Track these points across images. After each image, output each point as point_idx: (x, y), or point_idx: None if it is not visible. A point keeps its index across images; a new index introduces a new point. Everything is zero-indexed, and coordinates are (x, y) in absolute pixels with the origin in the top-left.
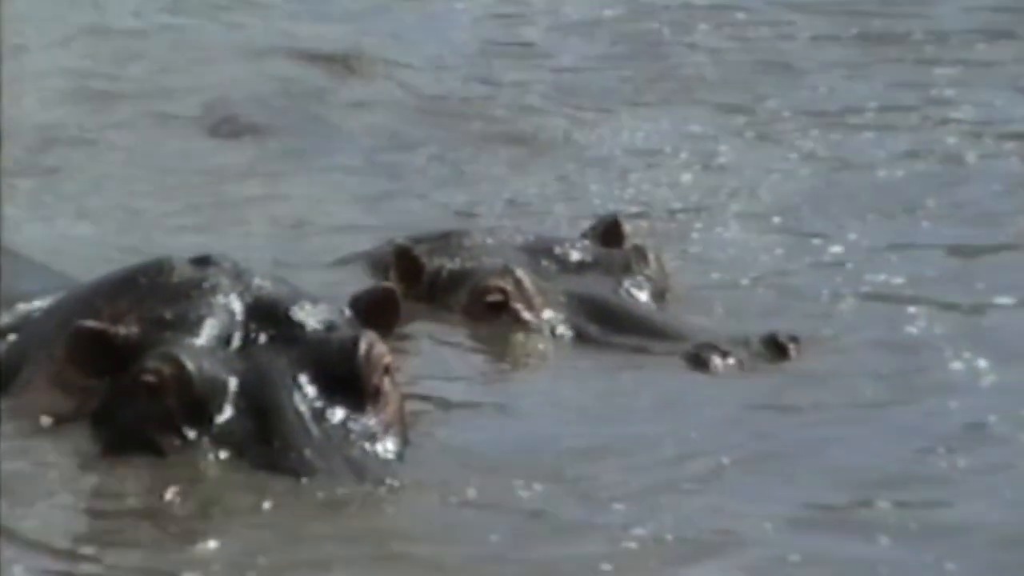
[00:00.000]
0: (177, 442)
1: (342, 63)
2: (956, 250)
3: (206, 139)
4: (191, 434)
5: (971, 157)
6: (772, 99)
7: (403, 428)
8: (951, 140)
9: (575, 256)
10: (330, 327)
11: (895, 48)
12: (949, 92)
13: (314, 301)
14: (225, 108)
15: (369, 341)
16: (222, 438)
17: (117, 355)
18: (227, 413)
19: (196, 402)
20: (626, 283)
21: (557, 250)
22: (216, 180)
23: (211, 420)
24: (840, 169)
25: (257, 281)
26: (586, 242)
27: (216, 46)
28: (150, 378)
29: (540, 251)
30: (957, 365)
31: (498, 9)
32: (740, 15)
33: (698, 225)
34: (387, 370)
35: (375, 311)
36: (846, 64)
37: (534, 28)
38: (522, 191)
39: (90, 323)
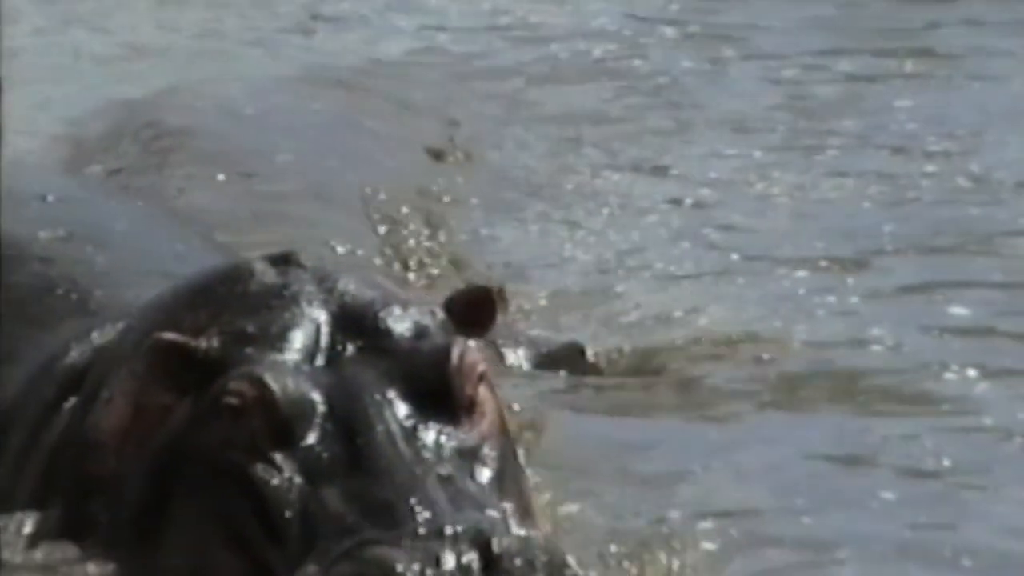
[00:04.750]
0: (262, 467)
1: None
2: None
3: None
4: (277, 458)
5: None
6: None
7: (503, 438)
8: (930, 172)
9: None
10: (421, 334)
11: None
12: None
13: (404, 305)
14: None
15: (461, 350)
16: (309, 463)
17: (199, 371)
18: (314, 436)
19: (282, 425)
20: None
21: None
22: None
23: (298, 443)
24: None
25: (342, 285)
26: None
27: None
28: (233, 400)
29: None
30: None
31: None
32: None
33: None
34: (482, 378)
35: (471, 313)
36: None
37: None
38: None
39: (170, 336)
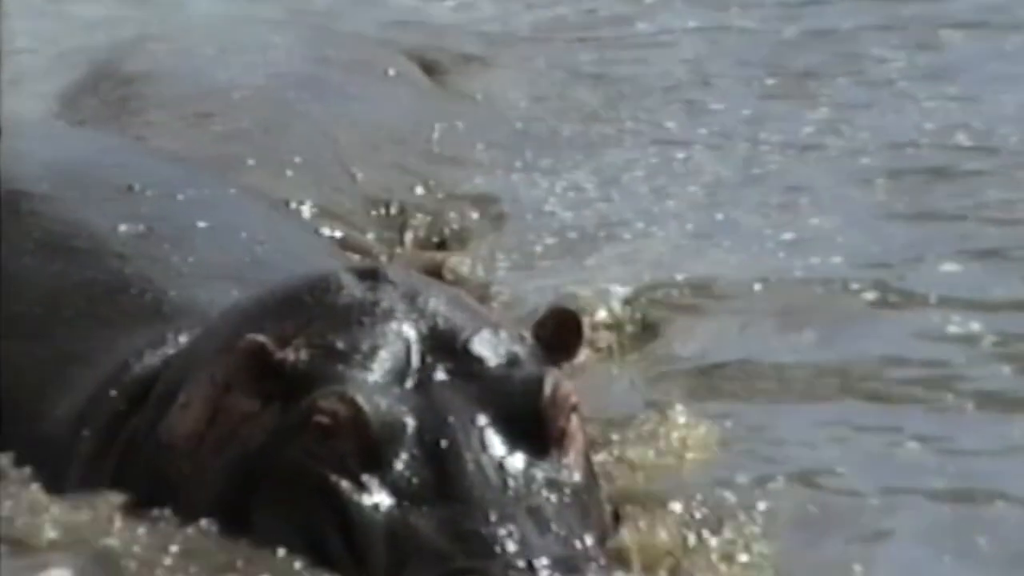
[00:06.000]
0: (351, 487)
1: None
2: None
3: None
4: (365, 479)
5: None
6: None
7: (589, 468)
8: (928, 130)
9: None
10: (512, 362)
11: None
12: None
13: (495, 329)
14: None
15: (554, 381)
16: (398, 487)
17: (285, 381)
18: (404, 460)
19: (372, 447)
20: None
21: None
22: None
23: (387, 466)
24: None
25: (432, 304)
26: None
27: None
28: (323, 419)
29: None
30: None
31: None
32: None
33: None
34: (573, 409)
35: (559, 337)
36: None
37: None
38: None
39: (259, 338)
